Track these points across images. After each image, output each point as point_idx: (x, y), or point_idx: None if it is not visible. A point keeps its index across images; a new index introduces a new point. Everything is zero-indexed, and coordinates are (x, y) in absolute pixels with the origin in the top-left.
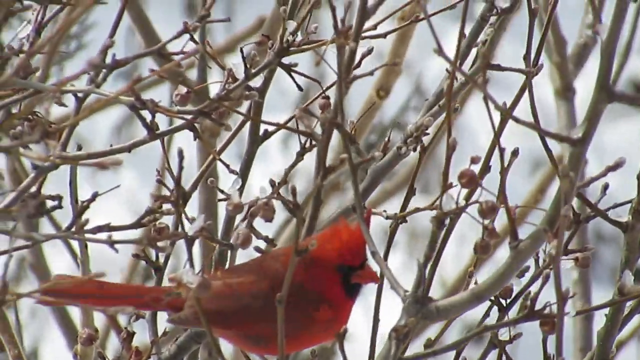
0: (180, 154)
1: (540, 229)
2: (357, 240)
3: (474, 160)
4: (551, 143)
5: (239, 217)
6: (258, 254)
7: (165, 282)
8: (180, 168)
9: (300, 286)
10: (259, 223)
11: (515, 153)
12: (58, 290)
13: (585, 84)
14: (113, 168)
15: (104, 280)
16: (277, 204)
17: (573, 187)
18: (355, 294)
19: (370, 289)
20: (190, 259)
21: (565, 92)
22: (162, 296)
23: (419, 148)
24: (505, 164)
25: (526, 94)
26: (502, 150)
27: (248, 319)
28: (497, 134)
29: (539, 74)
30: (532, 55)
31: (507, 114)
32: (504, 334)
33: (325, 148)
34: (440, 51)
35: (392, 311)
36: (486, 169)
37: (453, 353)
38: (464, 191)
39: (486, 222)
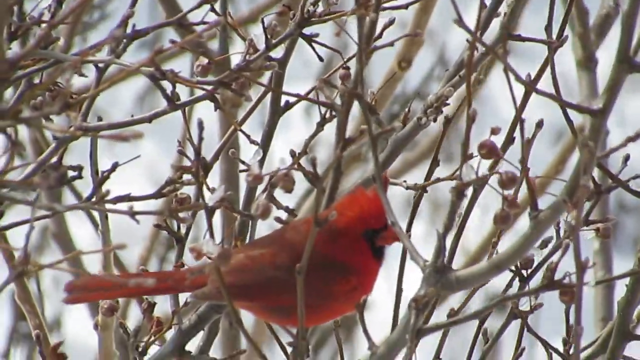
0: (201, 124)
1: (560, 199)
2: (377, 204)
3: (494, 131)
4: (573, 114)
5: (259, 188)
6: (279, 225)
7: (187, 252)
8: (201, 139)
9: (326, 257)
10: (279, 194)
11: (539, 125)
12: (83, 288)
13: (607, 55)
14: (134, 140)
15: (126, 272)
16: (297, 174)
17: (593, 157)
18: (382, 257)
19: (393, 258)
20: (211, 229)
21: (587, 63)
22: (185, 276)
23: (441, 119)
24: (530, 135)
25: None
26: (522, 122)
27: (271, 291)
28: (520, 106)
29: (562, 45)
30: (555, 27)
31: (529, 86)
32: (524, 304)
33: (345, 119)
34: (460, 22)
35: (414, 281)
36: (510, 140)
37: (474, 324)
38: (486, 162)
39: (506, 193)
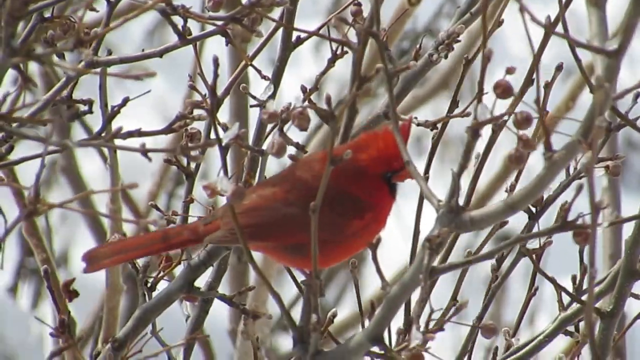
0: (216, 61)
1: (574, 139)
2: (397, 146)
3: (509, 71)
4: (582, 52)
5: (270, 124)
6: (289, 161)
7: (197, 188)
8: (216, 76)
9: (342, 192)
10: (288, 128)
11: (559, 68)
12: (101, 256)
13: None
14: (146, 78)
15: (140, 235)
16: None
17: (608, 98)
18: (395, 192)
19: (403, 197)
20: (225, 167)
21: (597, 0)
22: (199, 225)
23: (453, 56)
24: (549, 79)
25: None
26: (538, 64)
27: (285, 229)
28: (540, 49)
29: None
30: None
31: (548, 29)
32: (533, 242)
33: (361, 57)
34: None
35: (428, 221)
36: (529, 82)
37: (484, 263)
38: (499, 102)
39: (521, 132)
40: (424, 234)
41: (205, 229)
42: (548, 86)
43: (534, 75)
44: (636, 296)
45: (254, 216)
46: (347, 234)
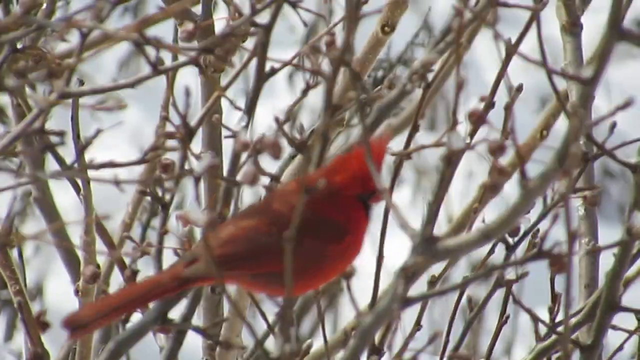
0: (187, 91)
1: (550, 167)
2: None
3: (482, 99)
4: (557, 79)
5: (244, 154)
6: (264, 191)
7: (172, 218)
8: (187, 105)
9: (318, 217)
10: (262, 158)
11: (519, 89)
12: (84, 320)
13: (592, 20)
14: (118, 110)
15: (120, 291)
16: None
17: (582, 124)
18: (370, 214)
19: (374, 225)
20: (197, 197)
21: (572, 28)
22: (179, 267)
23: (424, 85)
24: (509, 100)
25: (533, 30)
26: (510, 88)
27: (264, 258)
28: (503, 70)
29: (543, 9)
30: None
31: (513, 50)
32: (510, 273)
33: (332, 86)
34: None
35: (396, 248)
36: (490, 105)
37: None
38: (471, 129)
39: (495, 160)
40: (393, 261)
41: (188, 270)
42: (508, 108)
43: (497, 99)
44: (616, 328)
45: (231, 247)
46: (327, 259)
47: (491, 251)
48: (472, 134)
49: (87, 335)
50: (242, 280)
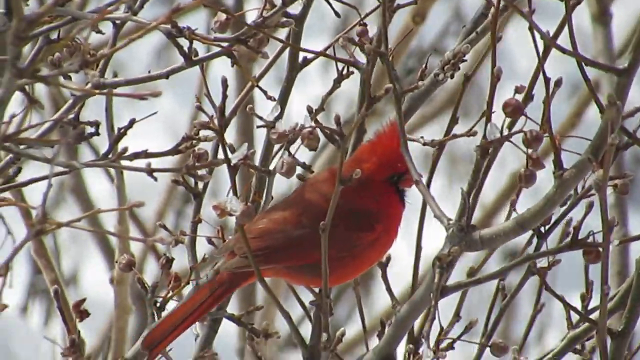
0: (224, 83)
1: (585, 158)
2: (397, 148)
3: (517, 90)
4: (587, 68)
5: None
6: (298, 181)
7: (205, 207)
8: (224, 97)
9: (352, 207)
10: (297, 149)
11: (558, 83)
12: (155, 340)
13: (622, 9)
14: (151, 98)
15: (184, 304)
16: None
17: (619, 116)
18: (404, 201)
19: (411, 214)
20: (234, 187)
21: (602, 17)
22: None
23: (459, 75)
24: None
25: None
26: (547, 81)
27: (299, 250)
28: (541, 63)
29: (580, 3)
30: None
31: (551, 43)
32: (542, 261)
33: (369, 78)
34: None
35: (433, 237)
36: (529, 97)
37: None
38: (507, 119)
39: (530, 151)
40: (426, 251)
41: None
42: (546, 101)
43: (534, 91)
44: None
45: (266, 239)
46: (361, 248)
47: (529, 242)
48: (508, 126)
49: (122, 323)
50: (277, 272)
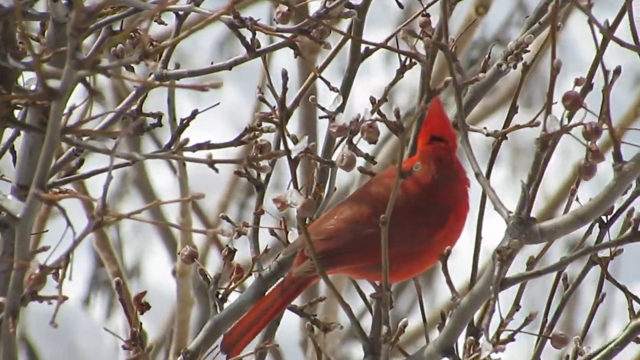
0: (285, 75)
1: None
2: (436, 115)
3: (577, 82)
4: None
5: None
6: (360, 174)
7: (267, 199)
8: (285, 89)
9: (420, 201)
10: (357, 140)
11: (617, 71)
12: (233, 341)
13: None
14: (213, 90)
15: (259, 304)
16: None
17: None
18: (469, 198)
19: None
20: (295, 180)
21: None
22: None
23: (520, 65)
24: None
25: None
26: (606, 73)
27: (370, 249)
28: (600, 54)
29: None
30: None
31: (609, 35)
32: (604, 251)
33: (430, 70)
34: None
35: (494, 229)
36: (589, 88)
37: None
38: (567, 111)
39: (590, 143)
40: (485, 243)
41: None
42: (605, 93)
43: (594, 80)
44: None
45: (336, 240)
46: (432, 243)
47: (589, 232)
48: (568, 117)
49: (185, 316)
50: (347, 271)
